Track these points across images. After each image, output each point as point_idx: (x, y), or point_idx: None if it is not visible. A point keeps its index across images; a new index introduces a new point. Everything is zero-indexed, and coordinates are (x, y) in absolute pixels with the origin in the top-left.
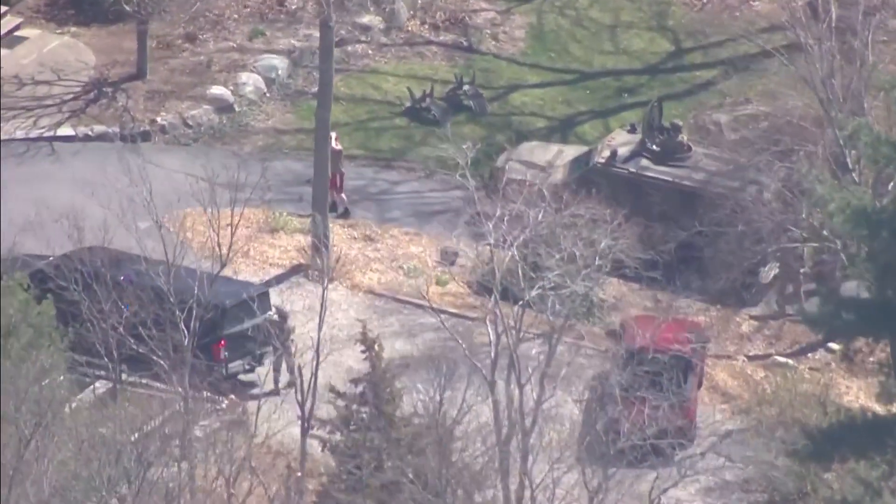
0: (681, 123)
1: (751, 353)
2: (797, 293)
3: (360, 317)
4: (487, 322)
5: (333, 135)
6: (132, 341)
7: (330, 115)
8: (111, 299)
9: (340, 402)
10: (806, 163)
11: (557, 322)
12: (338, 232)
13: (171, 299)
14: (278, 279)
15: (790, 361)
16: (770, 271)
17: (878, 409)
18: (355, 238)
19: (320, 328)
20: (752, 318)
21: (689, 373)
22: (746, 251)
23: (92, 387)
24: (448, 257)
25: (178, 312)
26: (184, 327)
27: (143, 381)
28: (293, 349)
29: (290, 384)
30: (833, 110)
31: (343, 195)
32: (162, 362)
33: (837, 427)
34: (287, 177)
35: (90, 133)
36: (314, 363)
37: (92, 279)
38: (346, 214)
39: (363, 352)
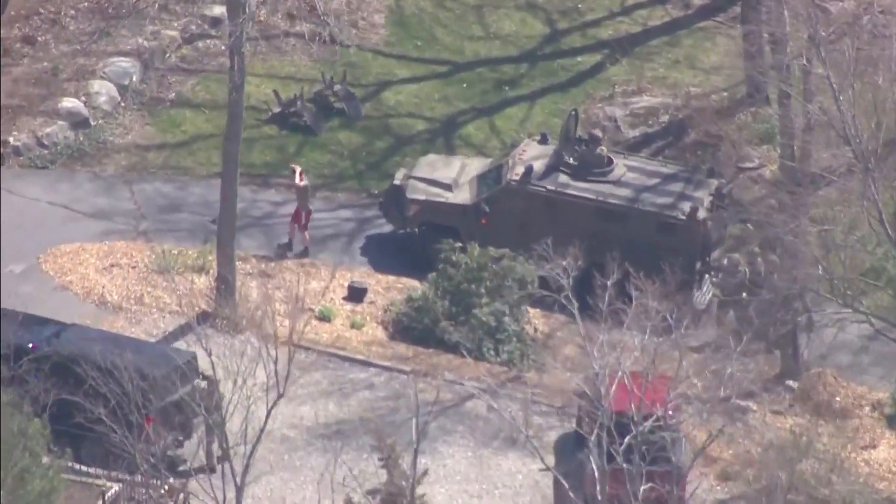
0: (600, 134)
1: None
2: (741, 320)
3: (281, 372)
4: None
5: (298, 169)
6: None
7: (239, 147)
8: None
9: None
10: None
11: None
12: None
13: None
14: (182, 331)
15: (751, 405)
16: (706, 294)
17: None
18: (251, 275)
19: None
20: (692, 350)
21: (680, 438)
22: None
23: None
24: (356, 294)
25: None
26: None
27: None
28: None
29: (223, 459)
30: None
31: (306, 234)
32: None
33: None
34: (160, 202)
35: None
36: None
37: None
38: (304, 254)
39: (380, 459)
